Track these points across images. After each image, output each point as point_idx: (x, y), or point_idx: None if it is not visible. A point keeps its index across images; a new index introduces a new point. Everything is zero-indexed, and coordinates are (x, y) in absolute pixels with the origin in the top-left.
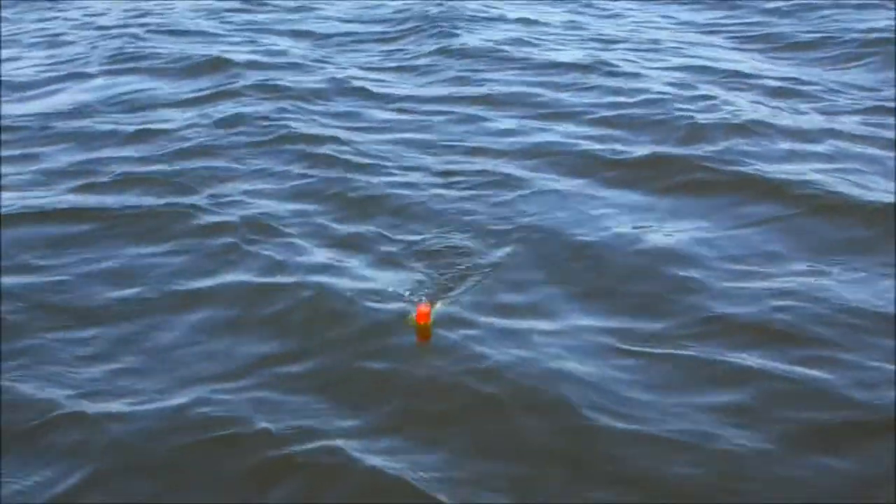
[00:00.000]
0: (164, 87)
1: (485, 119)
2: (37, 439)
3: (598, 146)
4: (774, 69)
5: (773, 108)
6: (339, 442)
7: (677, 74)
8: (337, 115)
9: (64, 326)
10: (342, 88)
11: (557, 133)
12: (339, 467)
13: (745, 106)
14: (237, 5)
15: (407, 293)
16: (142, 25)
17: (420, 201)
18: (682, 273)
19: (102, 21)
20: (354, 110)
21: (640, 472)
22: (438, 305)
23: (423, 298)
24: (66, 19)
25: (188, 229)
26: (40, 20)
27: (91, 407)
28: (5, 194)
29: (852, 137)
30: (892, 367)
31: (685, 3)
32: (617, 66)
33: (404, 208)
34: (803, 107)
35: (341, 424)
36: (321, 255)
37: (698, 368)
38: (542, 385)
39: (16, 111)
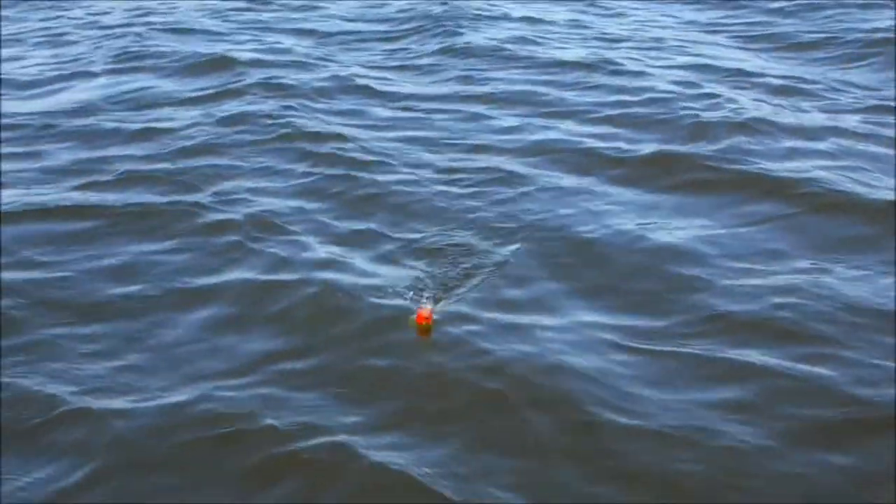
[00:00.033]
0: (168, 86)
1: (489, 117)
2: (41, 435)
3: (601, 144)
4: (778, 68)
5: (776, 106)
6: (344, 437)
7: (681, 73)
8: (341, 113)
9: (68, 323)
10: (346, 86)
11: (561, 131)
12: (343, 463)
13: (749, 104)
14: (241, 4)
15: (410, 291)
16: (146, 24)
17: (424, 198)
18: (685, 270)
19: (106, 20)
20: (358, 108)
21: (644, 468)
22: (439, 306)
23: (425, 299)
24: (69, 18)
25: (192, 227)
26: (44, 19)
27: (95, 403)
28: (9, 191)
29: (855, 136)
30: (894, 364)
31: (688, 3)
32: (621, 65)
33: (408, 205)
34: (806, 105)
35: (346, 420)
36: (325, 253)
37: (701, 365)
38: (546, 381)
39: (20, 109)
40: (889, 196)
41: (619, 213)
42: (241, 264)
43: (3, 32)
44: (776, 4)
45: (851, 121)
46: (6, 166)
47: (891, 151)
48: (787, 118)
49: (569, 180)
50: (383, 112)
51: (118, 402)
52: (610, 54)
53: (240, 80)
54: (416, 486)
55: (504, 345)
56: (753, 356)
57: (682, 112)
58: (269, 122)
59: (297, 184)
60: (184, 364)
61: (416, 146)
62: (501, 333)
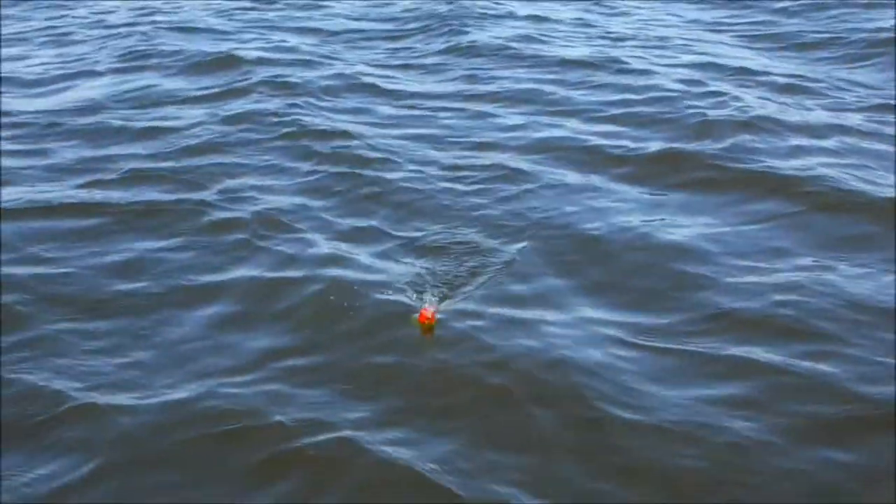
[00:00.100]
0: (173, 84)
1: (494, 115)
2: (46, 431)
3: (607, 142)
4: (782, 67)
5: (781, 104)
6: (350, 433)
7: (686, 71)
8: (346, 111)
9: (73, 319)
10: (352, 85)
11: (567, 129)
12: (349, 458)
13: (754, 103)
14: (246, 3)
15: (415, 288)
16: (151, 23)
17: (429, 196)
18: (690, 268)
19: (111, 19)
20: (364, 106)
21: (647, 463)
22: (444, 303)
23: (428, 298)
24: (74, 17)
25: (198, 225)
26: (49, 18)
27: (100, 399)
28: (15, 189)
29: (859, 134)
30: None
31: (693, 2)
32: (626, 63)
33: (413, 203)
34: (811, 104)
35: (351, 416)
36: (331, 250)
37: (705, 361)
38: (551, 377)
39: (25, 108)
40: (892, 194)
41: (625, 211)
42: (247, 262)
43: (9, 31)
44: (780, 4)
45: (855, 119)
46: (12, 164)
47: (894, 149)
48: (792, 116)
49: (574, 178)
50: (389, 110)
51: (123, 399)
52: (615, 53)
53: (245, 79)
54: (422, 482)
55: (509, 341)
56: (757, 353)
57: (687, 110)
58: (275, 120)
59: (303, 181)
60: (189, 361)
61: (422, 144)
62: (506, 329)
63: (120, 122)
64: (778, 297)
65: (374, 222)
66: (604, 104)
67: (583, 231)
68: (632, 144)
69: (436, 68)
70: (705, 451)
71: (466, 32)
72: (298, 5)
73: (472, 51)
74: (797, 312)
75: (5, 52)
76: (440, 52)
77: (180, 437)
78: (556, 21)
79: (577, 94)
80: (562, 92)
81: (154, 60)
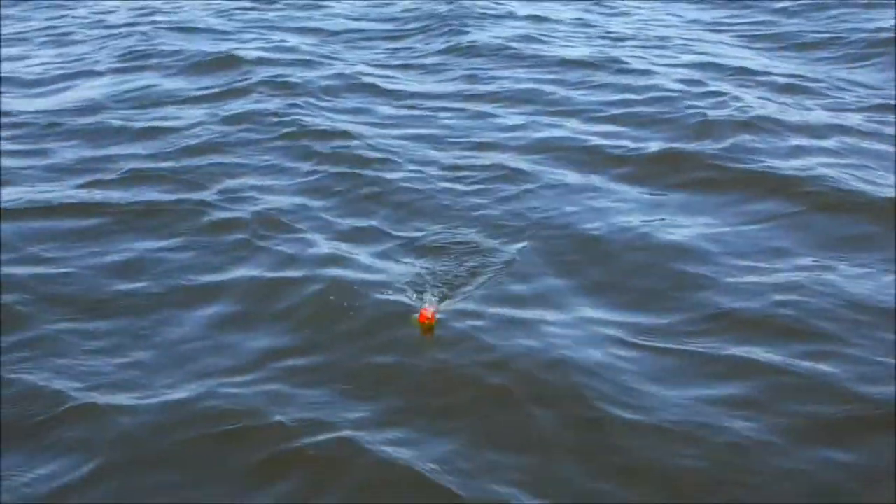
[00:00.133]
0: (173, 84)
1: (494, 115)
2: (46, 431)
3: (607, 142)
4: (782, 67)
5: (781, 104)
6: (350, 433)
7: (686, 71)
8: (346, 111)
9: (73, 319)
10: (352, 85)
11: (567, 129)
12: (349, 458)
13: (754, 103)
14: (246, 3)
15: (415, 288)
16: (151, 23)
17: (429, 196)
18: (690, 268)
19: (111, 19)
20: (364, 106)
21: (647, 463)
22: (444, 303)
23: (428, 298)
24: (74, 17)
25: (198, 225)
26: (49, 18)
27: (100, 400)
28: (14, 189)
29: (859, 134)
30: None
31: (692, 2)
32: (626, 63)
33: (413, 203)
34: (811, 104)
35: (351, 416)
36: (331, 250)
37: (705, 361)
38: (551, 376)
39: (25, 108)
40: (892, 193)
41: (625, 211)
42: (247, 262)
43: (8, 31)
44: (780, 4)
45: (855, 119)
46: (12, 164)
47: (894, 149)
48: (792, 117)
49: (574, 178)
50: (389, 110)
51: (123, 399)
52: (615, 53)
53: (245, 79)
54: (422, 482)
55: (509, 341)
56: (757, 353)
57: (687, 110)
58: (275, 120)
59: (303, 182)
60: (189, 361)
61: (422, 144)
62: (506, 329)
63: (120, 122)
64: (778, 297)
65: (374, 222)
66: (604, 104)
67: (583, 231)
68: (632, 144)
69: (436, 68)
70: (705, 451)
71: (466, 32)
72: (298, 5)
73: (472, 51)
74: (797, 312)
75: (5, 52)
76: (440, 52)
77: (180, 437)
78: (556, 21)
79: (577, 94)
80: (562, 92)
81: (154, 60)
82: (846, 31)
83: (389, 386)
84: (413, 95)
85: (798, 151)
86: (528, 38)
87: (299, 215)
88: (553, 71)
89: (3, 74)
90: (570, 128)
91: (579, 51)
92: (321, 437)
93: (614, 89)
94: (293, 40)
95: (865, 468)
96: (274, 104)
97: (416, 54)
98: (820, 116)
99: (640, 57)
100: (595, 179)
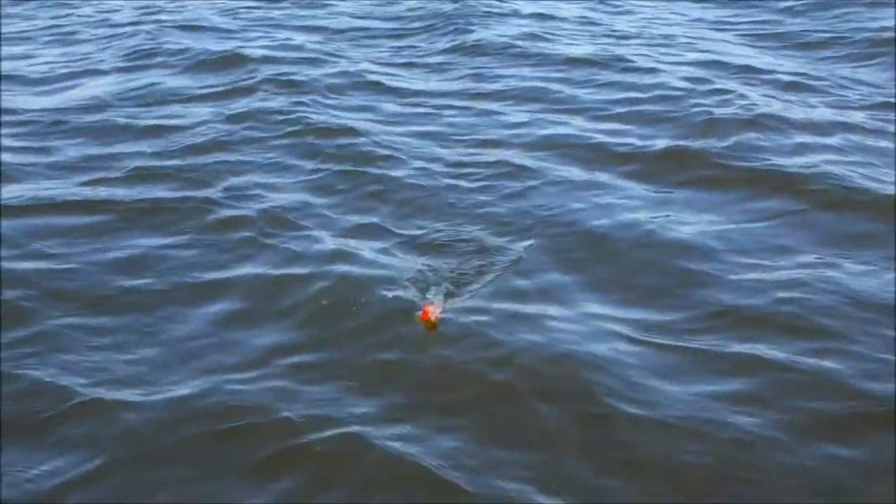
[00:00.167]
0: (178, 83)
1: (499, 113)
2: (51, 427)
3: (612, 140)
4: (786, 65)
5: (786, 102)
6: (356, 429)
7: (691, 69)
8: (352, 109)
9: (78, 315)
10: (357, 83)
11: (572, 127)
12: (356, 454)
13: (759, 100)
14: (251, 2)
15: (419, 285)
16: (156, 22)
17: (434, 193)
18: (694, 265)
19: (116, 18)
20: (369, 104)
21: (652, 458)
22: (448, 301)
23: (432, 295)
24: (79, 16)
25: (203, 222)
26: (54, 17)
27: (106, 396)
28: (18, 186)
29: (863, 131)
30: None
31: (696, 0)
32: (631, 62)
33: (419, 200)
34: (815, 101)
35: (357, 412)
36: (336, 247)
37: (710, 358)
38: (556, 372)
39: (30, 105)
40: (895, 191)
41: (630, 208)
42: (253, 259)
43: (14, 30)
44: (784, 3)
45: (859, 117)
46: (17, 161)
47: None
48: (797, 114)
49: (579, 175)
50: (394, 108)
51: (129, 395)
52: (620, 51)
53: (251, 77)
54: (428, 477)
55: (513, 337)
56: (761, 349)
57: (692, 108)
58: (280, 117)
59: (308, 179)
60: (195, 357)
61: (427, 141)
62: (511, 325)
63: (125, 120)
64: (782, 294)
65: (378, 219)
66: (609, 102)
67: (588, 228)
68: (637, 142)
69: (440, 66)
70: (710, 446)
71: (471, 31)
72: (303, 3)
73: (476, 49)
74: (801, 309)
75: (10, 50)
76: (445, 51)
77: (186, 433)
78: (561, 19)
79: (582, 92)
80: (567, 90)
81: (159, 59)
82: (850, 31)
83: (395, 382)
84: (418, 93)
85: (802, 149)
86: (532, 37)
87: (304, 213)
88: (558, 69)
89: (7, 73)
90: (576, 125)
91: (584, 49)
92: (327, 433)
93: (620, 87)
94: (298, 38)
95: (869, 464)
96: (279, 102)
97: (420, 52)
98: (824, 114)
99: (645, 55)
100: (600, 177)
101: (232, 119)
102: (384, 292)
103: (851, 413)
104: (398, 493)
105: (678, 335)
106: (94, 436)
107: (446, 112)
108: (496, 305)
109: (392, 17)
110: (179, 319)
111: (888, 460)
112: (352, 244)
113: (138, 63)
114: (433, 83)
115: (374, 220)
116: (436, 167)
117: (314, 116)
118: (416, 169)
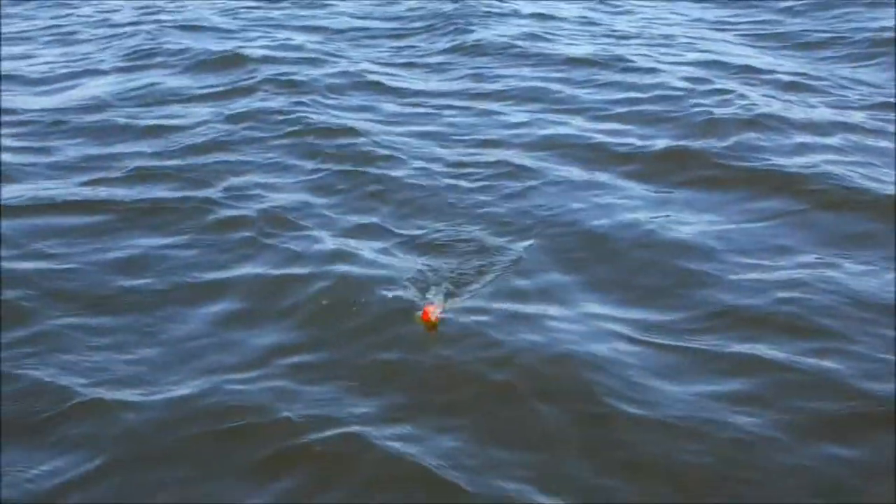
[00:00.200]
0: (178, 83)
1: (499, 113)
2: (51, 427)
3: (612, 140)
4: (786, 65)
5: (786, 102)
6: (357, 429)
7: (691, 69)
8: (352, 109)
9: (78, 315)
10: (357, 83)
11: (572, 127)
12: (356, 454)
13: (759, 100)
14: (251, 2)
15: (419, 285)
16: (156, 22)
17: (434, 193)
18: (694, 265)
19: (116, 18)
20: (369, 104)
21: (652, 458)
22: (448, 301)
23: (432, 296)
24: (79, 16)
25: (203, 222)
26: (54, 17)
27: (106, 395)
28: (18, 186)
29: (863, 131)
30: None
31: (696, 0)
32: (631, 62)
33: (419, 200)
34: (815, 101)
35: (358, 412)
36: (336, 247)
37: (710, 357)
38: (556, 372)
39: (30, 105)
40: (895, 191)
41: (630, 208)
42: (253, 259)
43: (14, 30)
44: (784, 4)
45: (859, 117)
46: (16, 161)
47: None
48: (797, 114)
49: (579, 175)
50: (394, 108)
51: (129, 395)
52: (620, 51)
53: (251, 77)
54: (429, 477)
55: (513, 336)
56: (761, 349)
57: (692, 108)
58: (280, 117)
59: (308, 179)
60: (195, 357)
61: (427, 141)
62: (511, 325)
63: (125, 120)
64: (782, 294)
65: (378, 219)
66: (609, 102)
67: (588, 228)
68: (638, 142)
69: (441, 66)
70: (710, 446)
71: (471, 31)
72: (303, 3)
73: (476, 49)
74: (801, 309)
75: (10, 50)
76: (445, 51)
77: (186, 433)
78: (561, 19)
79: (582, 92)
80: (567, 90)
81: (159, 59)
82: (850, 31)
83: (395, 382)
84: (418, 93)
85: (802, 149)
86: (532, 37)
87: (304, 213)
88: (558, 69)
89: (7, 73)
90: (576, 125)
91: (584, 49)
92: (327, 433)
93: (620, 87)
94: (298, 38)
95: (869, 464)
96: (279, 102)
97: (420, 52)
98: (824, 114)
99: (645, 55)
100: (600, 177)
101: (232, 119)
102: (384, 292)
103: (851, 413)
104: (398, 493)
105: (678, 335)
106: (94, 436)
107: (446, 112)
108: (496, 305)
109: (392, 17)
110: (179, 319)
111: (888, 460)
112: (352, 244)
113: (138, 63)
114: (433, 83)
115: (374, 220)
116: (436, 167)
117: (314, 116)
118: (416, 169)
